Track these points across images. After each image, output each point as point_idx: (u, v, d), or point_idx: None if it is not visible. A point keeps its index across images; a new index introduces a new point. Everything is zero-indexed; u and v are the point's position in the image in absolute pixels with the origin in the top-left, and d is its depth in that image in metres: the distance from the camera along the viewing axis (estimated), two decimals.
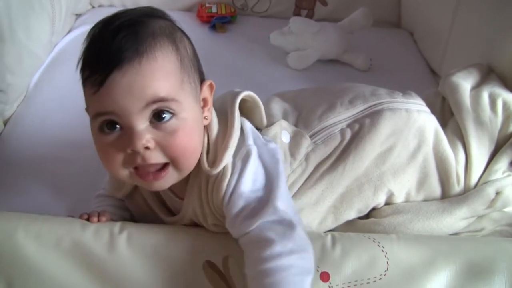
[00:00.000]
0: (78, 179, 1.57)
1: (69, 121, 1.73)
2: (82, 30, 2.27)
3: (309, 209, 1.27)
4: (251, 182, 1.12)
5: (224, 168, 1.13)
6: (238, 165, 1.13)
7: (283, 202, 1.09)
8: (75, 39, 2.24)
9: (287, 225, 1.06)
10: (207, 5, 2.56)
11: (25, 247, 1.11)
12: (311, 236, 1.15)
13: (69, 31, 2.37)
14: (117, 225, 1.17)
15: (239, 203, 1.10)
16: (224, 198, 1.12)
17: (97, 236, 1.14)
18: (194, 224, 1.23)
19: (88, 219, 1.20)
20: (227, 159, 1.13)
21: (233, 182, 1.12)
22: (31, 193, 1.55)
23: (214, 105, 1.23)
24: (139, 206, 1.33)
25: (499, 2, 1.69)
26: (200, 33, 2.44)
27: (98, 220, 1.20)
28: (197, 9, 2.58)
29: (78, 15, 2.53)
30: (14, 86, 1.79)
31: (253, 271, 1.04)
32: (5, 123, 1.81)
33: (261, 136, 1.22)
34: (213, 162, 1.13)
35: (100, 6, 2.64)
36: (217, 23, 2.50)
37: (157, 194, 1.29)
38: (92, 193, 1.41)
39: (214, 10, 2.53)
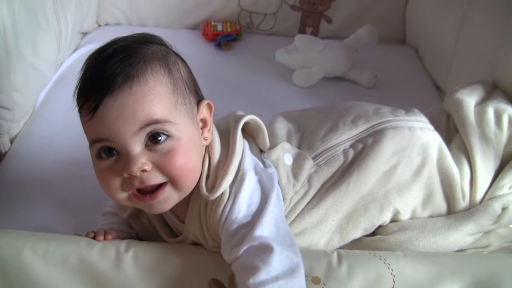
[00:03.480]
0: (84, 197, 1.57)
1: (75, 139, 1.71)
2: (88, 49, 2.25)
3: (313, 229, 1.26)
4: (245, 206, 1.12)
5: (222, 193, 1.13)
6: (233, 189, 1.14)
7: (268, 228, 1.09)
8: (81, 57, 2.21)
9: (268, 251, 1.04)
10: (212, 23, 2.57)
11: (32, 265, 1.12)
12: (317, 254, 1.16)
13: (75, 50, 2.38)
14: (123, 243, 1.17)
15: (232, 228, 1.10)
16: (220, 222, 1.12)
17: (103, 254, 1.14)
18: (197, 245, 1.24)
19: (94, 237, 1.20)
20: (226, 185, 1.13)
21: (228, 207, 1.12)
22: (37, 211, 1.55)
23: (219, 126, 1.24)
24: (143, 226, 1.34)
25: (503, 19, 1.69)
26: (205, 51, 2.46)
27: (105, 238, 1.21)
28: (203, 27, 2.59)
29: (85, 34, 2.55)
30: (20, 104, 1.80)
31: None
32: (11, 141, 1.82)
33: (260, 163, 1.23)
34: (212, 188, 1.14)
35: (106, 24, 2.66)
36: (223, 41, 2.51)
37: (161, 216, 1.30)
38: (98, 211, 1.41)
39: (219, 28, 2.54)
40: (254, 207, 1.13)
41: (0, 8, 1.61)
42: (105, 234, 1.22)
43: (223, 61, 2.40)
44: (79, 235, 1.21)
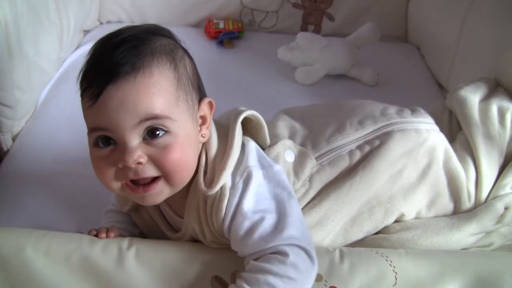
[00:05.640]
0: (86, 195, 1.57)
1: (77, 136, 1.71)
2: (91, 46, 2.28)
3: (313, 228, 1.25)
4: (253, 202, 1.12)
5: (222, 188, 1.13)
6: (239, 186, 1.13)
7: (296, 228, 1.09)
8: (84, 55, 2.19)
9: (302, 250, 1.06)
10: (214, 20, 2.57)
11: (34, 263, 1.12)
12: (319, 251, 1.15)
13: (77, 47, 2.38)
14: (125, 241, 1.17)
15: (245, 225, 1.09)
16: (225, 219, 1.12)
17: (105, 252, 1.14)
18: (196, 241, 1.24)
19: (96, 235, 1.20)
20: (224, 179, 1.12)
21: (234, 203, 1.11)
22: (39, 209, 1.55)
23: (219, 122, 1.24)
24: (145, 221, 1.34)
25: (506, 16, 1.69)
26: (207, 48, 2.46)
27: (107, 236, 1.21)
28: (205, 25, 2.59)
29: (87, 31, 2.54)
30: (22, 102, 1.80)
31: (252, 266, 1.06)
32: (13, 139, 1.82)
33: (267, 158, 1.22)
34: (211, 183, 1.13)
35: (108, 22, 2.66)
36: (225, 38, 2.51)
37: (160, 211, 1.30)
38: (101, 209, 1.42)
39: (221, 25, 2.54)
40: (265, 205, 1.12)
41: (2, 6, 1.62)
42: (107, 232, 1.22)
43: (225, 59, 2.41)
44: (82, 233, 1.21)
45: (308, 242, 1.09)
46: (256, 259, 1.07)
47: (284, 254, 1.04)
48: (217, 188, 1.12)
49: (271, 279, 1.02)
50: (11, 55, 1.66)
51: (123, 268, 1.12)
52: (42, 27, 1.93)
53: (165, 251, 1.16)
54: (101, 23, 2.65)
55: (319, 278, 1.11)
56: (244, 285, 1.02)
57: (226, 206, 1.12)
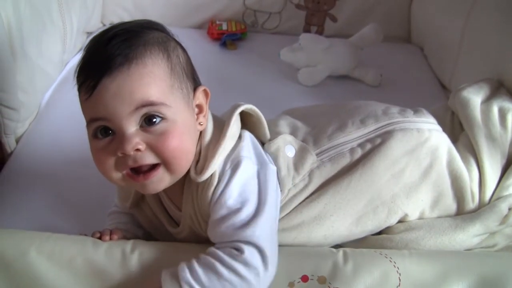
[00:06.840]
0: (90, 197, 1.58)
1: (80, 138, 1.70)
2: None
3: (311, 223, 1.26)
4: (237, 193, 1.13)
5: (211, 176, 1.14)
6: (227, 174, 1.14)
7: (263, 230, 1.10)
8: None
9: (259, 252, 1.07)
10: (217, 22, 2.57)
11: (38, 266, 1.12)
12: (322, 253, 1.16)
13: (80, 49, 2.37)
14: (129, 244, 1.17)
15: (221, 212, 1.11)
16: (210, 205, 1.13)
17: (109, 255, 1.14)
18: (195, 234, 1.24)
19: (100, 237, 1.21)
20: (213, 167, 1.14)
21: (219, 190, 1.13)
22: (43, 211, 1.55)
23: (220, 119, 1.25)
24: (148, 218, 1.35)
25: (508, 17, 1.69)
26: (210, 50, 2.46)
27: (110, 238, 1.21)
28: (208, 27, 2.60)
29: (90, 33, 2.54)
30: (26, 104, 1.80)
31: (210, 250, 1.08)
32: (17, 141, 1.82)
33: (265, 156, 1.23)
34: (201, 170, 1.14)
35: (111, 24, 2.64)
36: (228, 40, 2.51)
37: (163, 206, 1.31)
38: (104, 210, 1.42)
39: (224, 27, 2.54)
40: (248, 198, 1.13)
41: (6, 8, 1.62)
42: (110, 234, 1.22)
43: (228, 60, 2.41)
44: (85, 235, 1.21)
45: (270, 247, 1.09)
46: (217, 248, 1.08)
47: (241, 250, 1.05)
48: (206, 175, 1.14)
49: (219, 267, 1.04)
50: (15, 57, 1.67)
51: (127, 272, 1.12)
52: (45, 29, 1.94)
53: (167, 254, 1.16)
54: (104, 25, 2.65)
55: (322, 280, 1.11)
56: (194, 261, 1.05)
57: (212, 192, 1.13)
